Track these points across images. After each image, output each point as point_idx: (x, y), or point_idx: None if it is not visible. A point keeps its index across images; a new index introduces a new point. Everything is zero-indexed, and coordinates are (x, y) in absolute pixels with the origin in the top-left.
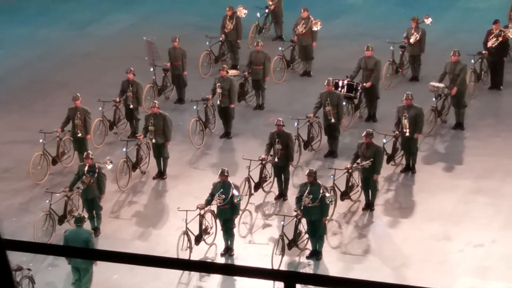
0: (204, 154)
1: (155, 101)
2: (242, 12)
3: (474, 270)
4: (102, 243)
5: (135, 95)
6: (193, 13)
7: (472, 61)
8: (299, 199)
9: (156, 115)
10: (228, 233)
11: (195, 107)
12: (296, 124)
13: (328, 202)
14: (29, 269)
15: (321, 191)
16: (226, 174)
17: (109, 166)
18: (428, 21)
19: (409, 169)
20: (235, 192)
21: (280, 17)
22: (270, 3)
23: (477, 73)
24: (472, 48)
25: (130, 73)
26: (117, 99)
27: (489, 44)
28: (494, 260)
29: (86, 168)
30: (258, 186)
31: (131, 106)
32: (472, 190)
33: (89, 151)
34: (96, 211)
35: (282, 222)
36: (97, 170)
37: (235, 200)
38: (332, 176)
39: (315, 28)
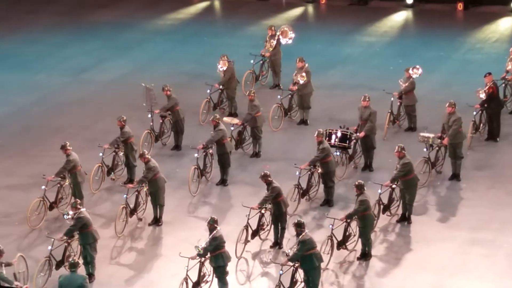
0: (201, 201)
1: (144, 150)
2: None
3: None
4: None
5: (124, 142)
6: (189, 61)
7: (474, 112)
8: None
9: (147, 164)
10: (221, 280)
11: (196, 155)
12: (297, 173)
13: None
14: None
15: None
16: (210, 223)
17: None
18: (418, 71)
19: (405, 219)
20: (201, 243)
21: (278, 66)
22: (263, 53)
23: (476, 124)
24: (469, 100)
25: (119, 121)
26: (106, 146)
27: (480, 96)
28: None
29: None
30: (255, 233)
31: (121, 153)
32: (467, 241)
33: (77, 200)
34: (89, 257)
35: (281, 271)
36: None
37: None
38: (330, 226)
39: (300, 81)
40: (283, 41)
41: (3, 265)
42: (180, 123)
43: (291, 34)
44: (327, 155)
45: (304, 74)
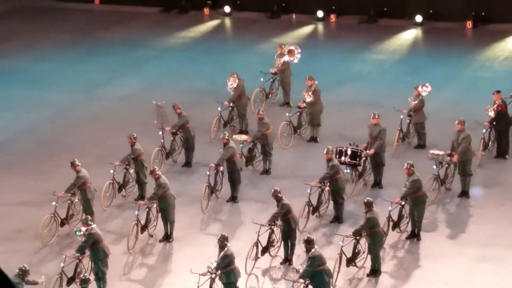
0: (211, 218)
1: (155, 167)
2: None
3: None
4: None
5: (135, 159)
6: (200, 78)
7: (484, 130)
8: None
9: (157, 180)
10: None
11: (208, 172)
12: (309, 190)
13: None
14: None
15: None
16: (220, 240)
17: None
18: (427, 89)
19: (414, 236)
20: (213, 261)
21: (287, 84)
22: (272, 71)
23: (485, 142)
24: (478, 118)
25: (129, 138)
26: (116, 163)
27: (489, 114)
28: None
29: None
30: (265, 250)
31: (132, 170)
32: (476, 258)
33: (88, 216)
34: (100, 273)
35: None
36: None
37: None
38: (341, 244)
39: (307, 99)
40: (289, 59)
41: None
42: (191, 141)
43: (298, 54)
44: (336, 172)
45: (310, 93)
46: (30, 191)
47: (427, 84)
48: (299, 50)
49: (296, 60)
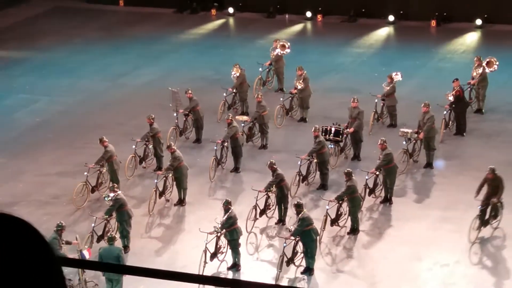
0: (218, 186)
1: (171, 142)
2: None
3: (441, 286)
4: (131, 259)
5: (153, 136)
6: (208, 68)
7: (445, 112)
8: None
9: (172, 154)
10: (234, 251)
11: (215, 147)
12: (299, 162)
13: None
14: (69, 279)
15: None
16: (225, 204)
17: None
18: (398, 77)
19: (387, 200)
20: (219, 222)
21: (281, 74)
22: (267, 63)
23: (446, 122)
24: (440, 101)
25: (148, 119)
26: (138, 140)
27: (449, 99)
28: (458, 277)
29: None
30: (262, 212)
31: (150, 146)
32: (439, 219)
33: (114, 184)
34: (125, 232)
35: (284, 244)
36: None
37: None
38: (326, 207)
39: (298, 86)
40: (280, 52)
41: (64, 242)
42: (200, 121)
43: (288, 49)
44: (322, 147)
45: (301, 81)
46: (65, 164)
47: (398, 72)
48: (289, 45)
49: (285, 53)
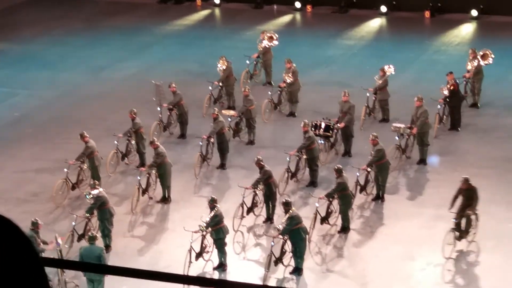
0: (203, 183)
1: (154, 138)
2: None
3: (434, 286)
4: (113, 258)
5: (135, 132)
6: (193, 61)
7: (439, 106)
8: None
9: (156, 150)
10: (220, 250)
11: (200, 143)
12: (288, 158)
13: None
14: (49, 280)
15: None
16: (210, 202)
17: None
18: (391, 70)
19: (379, 198)
20: (204, 220)
21: (269, 67)
22: (254, 56)
23: (440, 116)
24: (434, 95)
25: (130, 113)
26: (120, 135)
27: (444, 93)
28: (452, 277)
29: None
30: (249, 210)
31: (133, 142)
32: (432, 217)
33: (96, 181)
34: (106, 231)
35: (272, 243)
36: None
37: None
38: (316, 205)
39: (287, 80)
40: (267, 44)
41: (40, 242)
42: (185, 116)
43: (275, 41)
44: (312, 142)
45: (290, 74)
46: (44, 160)
47: (391, 65)
48: (277, 36)
49: (273, 45)
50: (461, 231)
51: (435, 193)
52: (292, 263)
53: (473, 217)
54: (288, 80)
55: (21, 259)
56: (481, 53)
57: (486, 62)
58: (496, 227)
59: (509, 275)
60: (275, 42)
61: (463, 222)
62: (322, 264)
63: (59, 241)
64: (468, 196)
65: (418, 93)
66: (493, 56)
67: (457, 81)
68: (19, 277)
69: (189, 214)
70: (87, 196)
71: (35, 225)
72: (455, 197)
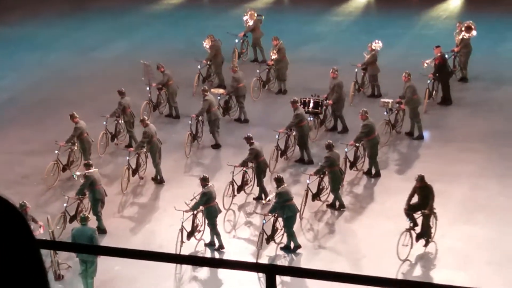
0: (194, 162)
1: (144, 117)
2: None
3: (426, 261)
4: (105, 239)
5: (123, 111)
6: (181, 41)
7: (428, 81)
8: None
9: (145, 128)
10: (212, 230)
11: (190, 122)
12: (277, 136)
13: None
14: None
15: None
16: (201, 180)
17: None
18: (379, 45)
19: (370, 173)
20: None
21: (258, 45)
22: (241, 34)
23: (430, 91)
24: (423, 70)
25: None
26: (107, 116)
27: (424, 66)
28: (443, 251)
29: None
30: (240, 188)
31: (121, 121)
32: None
33: (89, 161)
34: (95, 211)
35: (264, 221)
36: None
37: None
38: (307, 181)
39: (272, 57)
40: (251, 22)
41: (30, 219)
42: (173, 96)
43: (258, 16)
44: (301, 120)
45: (276, 51)
46: (34, 142)
47: (378, 41)
48: (257, 14)
49: (257, 22)
50: (417, 234)
51: (425, 168)
52: (284, 240)
53: (430, 217)
54: (273, 56)
55: (17, 241)
56: (464, 25)
57: (469, 34)
58: (487, 200)
59: (501, 248)
60: (258, 18)
61: (420, 222)
62: (314, 240)
63: (41, 230)
64: (423, 195)
65: (407, 68)
66: (476, 28)
67: (444, 55)
68: (15, 259)
69: (180, 193)
70: (74, 175)
71: (22, 208)
72: (411, 196)
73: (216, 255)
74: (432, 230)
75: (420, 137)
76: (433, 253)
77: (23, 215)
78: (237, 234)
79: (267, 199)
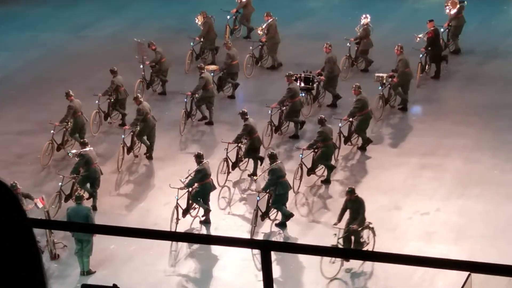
0: (189, 139)
1: (138, 95)
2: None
3: (421, 235)
4: (101, 218)
5: (116, 90)
6: (173, 17)
7: (420, 55)
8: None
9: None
10: (204, 206)
11: (185, 100)
12: (270, 112)
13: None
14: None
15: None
16: (196, 157)
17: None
18: (367, 19)
19: (364, 149)
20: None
21: (248, 21)
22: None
23: (422, 65)
24: (416, 44)
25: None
26: (99, 95)
27: (417, 40)
28: (438, 226)
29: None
30: (235, 165)
31: (112, 99)
32: (418, 166)
33: (85, 139)
34: (91, 189)
35: (258, 198)
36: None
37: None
38: (300, 155)
39: (259, 33)
40: None
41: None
42: (164, 73)
43: None
44: (293, 95)
45: (264, 26)
46: (28, 121)
47: (367, 15)
48: None
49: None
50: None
51: (419, 142)
52: (279, 217)
53: (364, 232)
54: (260, 32)
55: (9, 219)
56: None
57: (454, 10)
58: (482, 174)
59: (495, 221)
60: None
61: (352, 239)
62: (307, 215)
63: (39, 205)
64: (354, 209)
65: (400, 42)
66: (461, 3)
67: (437, 29)
68: (7, 238)
69: (175, 171)
70: (69, 154)
71: (13, 188)
72: (343, 210)
73: (212, 232)
74: (369, 247)
75: (404, 109)
76: (428, 227)
77: (15, 194)
78: (232, 211)
79: (254, 176)
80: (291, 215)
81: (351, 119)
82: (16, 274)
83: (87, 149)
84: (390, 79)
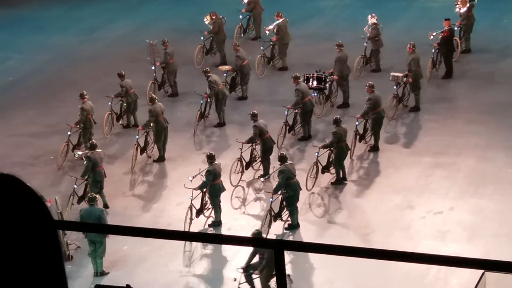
0: (202, 140)
1: (152, 95)
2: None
3: (435, 234)
4: (114, 218)
5: (127, 93)
6: (183, 18)
7: (433, 50)
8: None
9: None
10: (214, 208)
11: (201, 101)
12: (286, 112)
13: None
14: None
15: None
16: (207, 159)
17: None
18: (374, 20)
19: (376, 149)
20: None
21: (257, 22)
22: (244, 9)
23: (434, 61)
24: (428, 42)
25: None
26: (112, 96)
27: (430, 38)
28: (452, 225)
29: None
30: (248, 165)
31: (125, 103)
32: (431, 165)
33: (93, 141)
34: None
35: (271, 199)
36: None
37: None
38: (316, 154)
39: (266, 33)
40: None
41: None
42: (172, 75)
43: None
44: (303, 96)
45: (270, 27)
46: (39, 124)
47: (374, 14)
48: None
49: None
50: None
51: (432, 141)
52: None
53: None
54: (267, 33)
55: (37, 223)
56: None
57: (464, 8)
58: (495, 173)
59: (509, 219)
60: None
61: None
62: (323, 216)
63: (47, 204)
64: (262, 253)
65: (411, 41)
66: (471, 2)
67: (453, 28)
68: (33, 241)
69: (187, 172)
70: (75, 155)
71: None
72: (252, 255)
73: (225, 232)
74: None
75: (417, 108)
76: (442, 227)
77: (40, 195)
78: (246, 210)
79: (264, 177)
80: (296, 226)
81: (366, 118)
82: (41, 275)
83: (97, 151)
84: (405, 78)
